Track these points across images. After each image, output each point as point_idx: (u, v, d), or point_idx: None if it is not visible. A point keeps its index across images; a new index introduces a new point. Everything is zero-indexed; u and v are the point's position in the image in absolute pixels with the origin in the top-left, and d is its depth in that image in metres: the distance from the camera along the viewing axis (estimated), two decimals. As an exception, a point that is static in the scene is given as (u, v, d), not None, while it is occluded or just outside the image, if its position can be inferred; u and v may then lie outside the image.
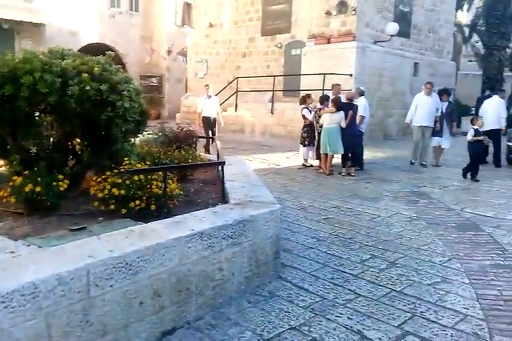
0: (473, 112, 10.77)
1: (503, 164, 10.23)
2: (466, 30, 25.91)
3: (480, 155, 8.90)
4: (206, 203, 4.35)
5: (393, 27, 14.68)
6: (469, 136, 8.62)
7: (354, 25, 14.28)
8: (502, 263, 4.37)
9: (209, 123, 11.14)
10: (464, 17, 27.95)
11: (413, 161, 10.14)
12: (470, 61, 33.50)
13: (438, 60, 18.66)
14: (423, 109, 9.68)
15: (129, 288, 2.75)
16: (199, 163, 5.22)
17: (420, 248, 4.75)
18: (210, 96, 11.23)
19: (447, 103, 10.02)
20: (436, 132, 9.77)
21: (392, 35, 14.89)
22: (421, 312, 3.38)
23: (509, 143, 10.09)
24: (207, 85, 11.36)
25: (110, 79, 4.27)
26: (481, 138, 8.55)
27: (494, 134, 9.83)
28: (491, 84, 18.74)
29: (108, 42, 21.83)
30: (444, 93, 10.19)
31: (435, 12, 18.11)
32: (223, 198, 4.44)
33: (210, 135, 10.85)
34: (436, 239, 5.07)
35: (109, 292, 2.64)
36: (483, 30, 23.49)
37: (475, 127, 8.63)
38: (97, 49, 17.60)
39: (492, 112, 9.98)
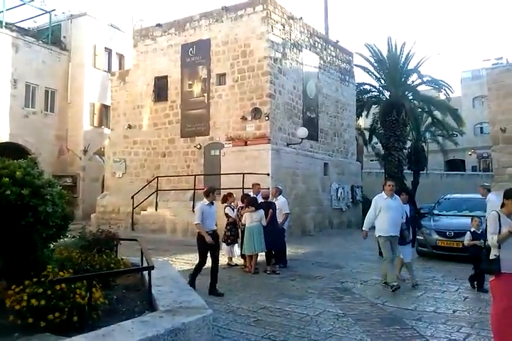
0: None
1: (414, 256, 10.80)
2: (367, 133, 28.78)
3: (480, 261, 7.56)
4: (132, 311, 4.12)
5: (303, 131, 16.04)
6: (466, 240, 7.65)
7: (268, 129, 15.41)
8: (429, 356, 4.46)
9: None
10: (363, 122, 31.26)
11: (394, 284, 7.17)
12: (372, 160, 36.85)
13: (344, 160, 20.34)
14: (389, 215, 7.44)
15: None
16: (126, 269, 5.01)
17: (351, 346, 4.74)
18: (213, 202, 7.65)
19: (408, 205, 8.12)
20: (405, 242, 7.77)
21: (302, 139, 16.18)
22: None
23: (418, 237, 10.77)
24: (211, 189, 7.65)
25: (33, 183, 4.18)
26: (476, 242, 7.31)
27: None
28: (394, 182, 20.45)
29: (20, 141, 21.33)
30: (404, 193, 8.29)
31: (338, 118, 20.17)
32: (150, 305, 4.24)
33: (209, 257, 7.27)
34: (364, 335, 5.10)
35: None
36: (381, 133, 26.20)
37: (472, 229, 7.65)
38: (7, 148, 17.20)
39: None
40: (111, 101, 20.62)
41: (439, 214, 11.66)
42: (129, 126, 19.10)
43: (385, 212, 7.48)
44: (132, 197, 16.50)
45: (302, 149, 16.86)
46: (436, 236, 10.36)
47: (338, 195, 18.80)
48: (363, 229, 7.70)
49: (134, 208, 16.49)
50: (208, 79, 17.01)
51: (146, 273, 4.75)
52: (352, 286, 7.70)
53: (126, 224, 16.62)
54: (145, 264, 5.00)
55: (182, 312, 3.77)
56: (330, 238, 15.41)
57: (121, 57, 25.08)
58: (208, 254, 7.18)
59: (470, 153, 41.67)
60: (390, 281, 7.26)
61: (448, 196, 12.96)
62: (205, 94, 17.03)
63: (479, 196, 11.11)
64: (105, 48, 24.22)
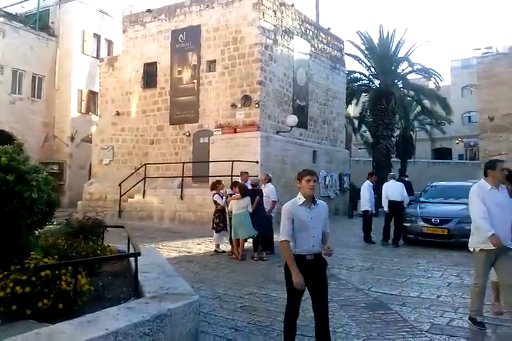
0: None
1: (400, 243, 10.92)
2: (356, 122, 28.84)
3: None
4: (118, 298, 4.12)
5: (292, 119, 16.01)
6: None
7: (258, 116, 15.36)
8: (412, 340, 4.53)
9: None
10: (353, 110, 31.32)
11: (477, 318, 4.89)
12: (360, 149, 37.02)
13: (333, 148, 20.37)
14: (497, 215, 4.78)
15: None
16: (112, 255, 5.00)
17: (336, 330, 4.80)
18: (315, 201, 4.20)
19: None
20: None
21: (292, 126, 16.16)
22: None
23: (405, 224, 10.89)
24: (305, 172, 4.12)
25: (18, 168, 4.13)
26: None
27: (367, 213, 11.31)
28: (382, 170, 20.61)
29: (6, 128, 21.12)
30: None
31: (328, 106, 20.14)
32: (136, 291, 4.25)
33: None
34: (349, 320, 5.17)
35: None
36: (370, 121, 26.29)
37: None
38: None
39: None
40: (99, 88, 20.39)
41: (425, 202, 11.77)
42: (117, 113, 18.93)
43: (492, 211, 4.81)
44: (120, 185, 16.43)
45: (291, 137, 16.85)
46: (421, 223, 10.45)
47: (326, 182, 18.87)
48: (491, 233, 4.64)
49: (121, 195, 16.42)
50: (197, 65, 16.87)
51: (132, 259, 4.75)
52: (338, 272, 7.79)
53: (113, 212, 16.55)
54: (132, 251, 5.00)
55: (168, 298, 3.79)
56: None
57: (110, 43, 24.75)
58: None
59: (457, 141, 42.00)
60: (472, 311, 4.99)
61: (434, 183, 13.07)
62: (195, 81, 16.90)
63: (465, 183, 11.27)
64: (94, 34, 23.88)
